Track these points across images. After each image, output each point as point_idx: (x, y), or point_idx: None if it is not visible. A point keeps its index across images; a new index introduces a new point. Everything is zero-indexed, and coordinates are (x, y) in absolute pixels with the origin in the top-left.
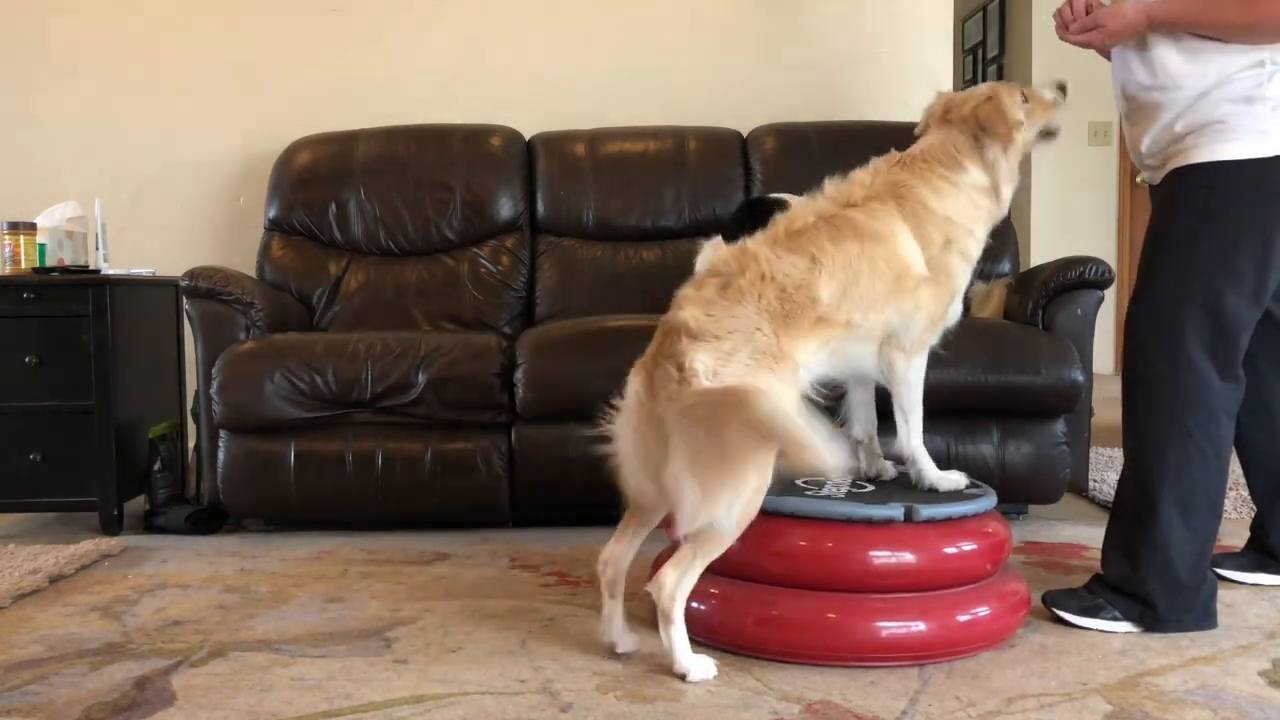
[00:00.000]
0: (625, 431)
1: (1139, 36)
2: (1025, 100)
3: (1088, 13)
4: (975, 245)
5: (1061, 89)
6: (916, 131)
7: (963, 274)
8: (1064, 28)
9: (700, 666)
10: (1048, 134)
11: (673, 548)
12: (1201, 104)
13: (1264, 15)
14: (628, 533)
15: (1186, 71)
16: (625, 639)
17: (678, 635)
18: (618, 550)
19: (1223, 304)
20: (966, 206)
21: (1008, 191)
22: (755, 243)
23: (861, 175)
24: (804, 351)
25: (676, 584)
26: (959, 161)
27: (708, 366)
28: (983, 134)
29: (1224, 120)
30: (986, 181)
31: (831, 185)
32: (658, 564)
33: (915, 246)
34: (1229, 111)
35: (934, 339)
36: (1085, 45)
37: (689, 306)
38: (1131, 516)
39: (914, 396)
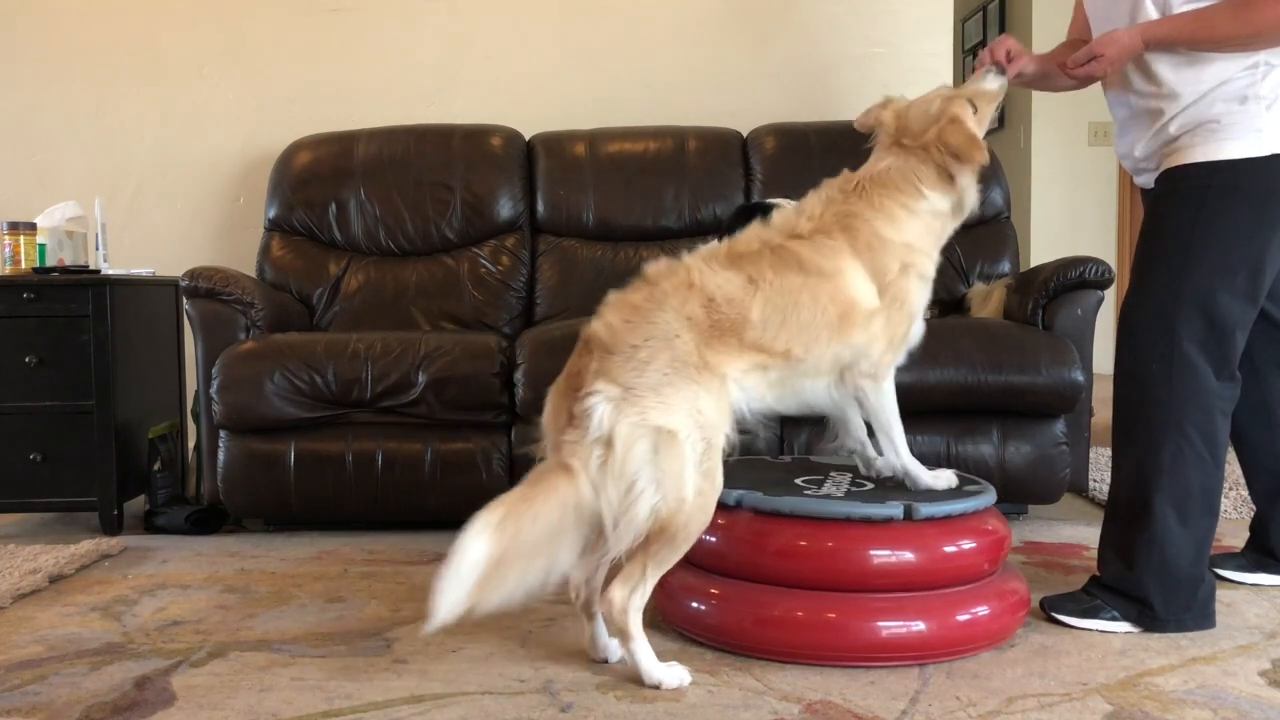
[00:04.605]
0: (546, 458)
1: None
2: (975, 110)
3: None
4: (931, 265)
5: (1000, 70)
6: (869, 145)
7: (921, 296)
8: (1062, 66)
9: (673, 674)
10: None
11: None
12: (1197, 106)
13: (1262, 24)
14: (589, 553)
15: (1184, 78)
16: (614, 648)
17: (639, 649)
18: (584, 573)
19: (1217, 303)
20: (924, 231)
21: (968, 209)
22: (692, 256)
23: (812, 205)
24: (733, 368)
25: (627, 599)
26: (919, 190)
27: (610, 397)
28: (954, 161)
29: (1218, 119)
30: (948, 206)
31: (780, 215)
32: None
33: (866, 282)
34: (1223, 111)
35: (899, 359)
36: (1088, 77)
37: (609, 313)
38: (1127, 516)
39: (890, 418)
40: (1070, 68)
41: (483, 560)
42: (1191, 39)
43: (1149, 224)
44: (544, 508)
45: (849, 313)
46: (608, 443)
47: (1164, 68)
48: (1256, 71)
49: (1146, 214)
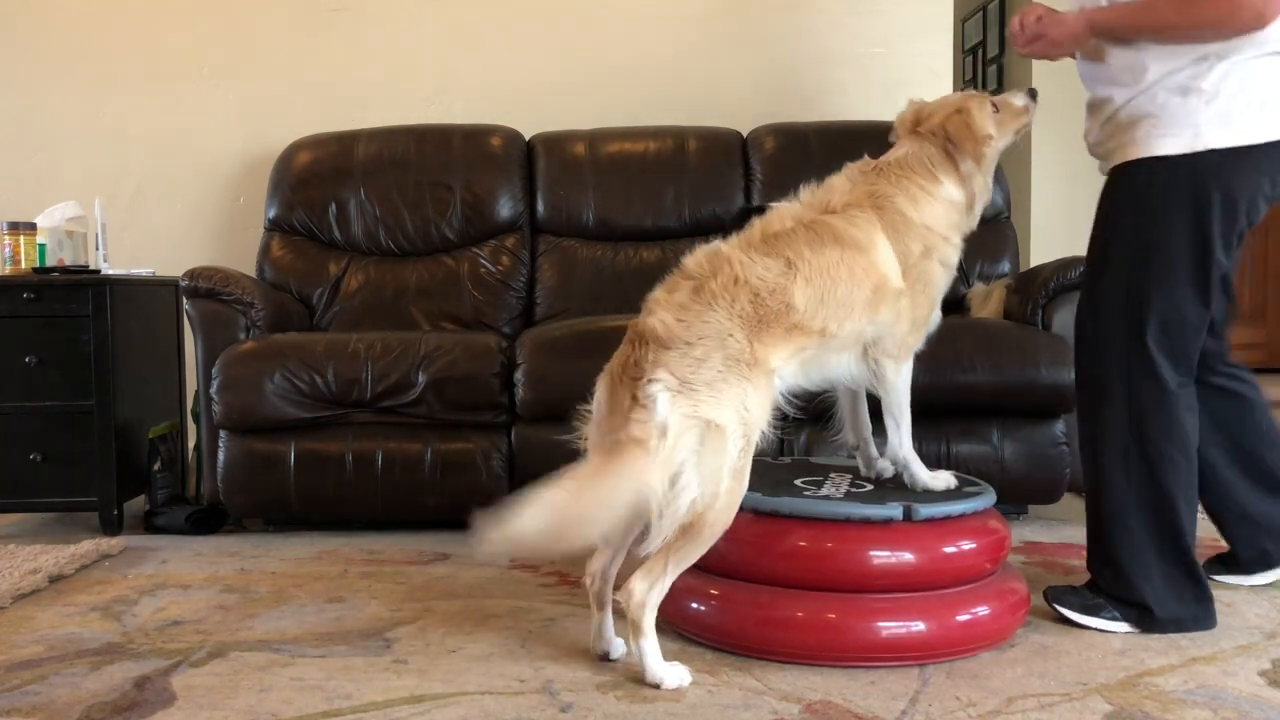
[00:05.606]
0: (593, 443)
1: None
2: (996, 110)
3: (1037, 22)
4: (954, 252)
5: (1032, 95)
6: (891, 139)
7: (942, 281)
8: (1014, 41)
9: (674, 674)
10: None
11: None
12: (1143, 96)
13: (1202, 18)
14: (611, 543)
15: (1133, 65)
16: (617, 644)
17: (648, 646)
18: (603, 562)
19: (1169, 305)
20: (943, 215)
21: (979, 206)
22: (729, 245)
23: (839, 182)
24: (778, 358)
25: (646, 594)
26: (934, 175)
27: (669, 387)
28: (953, 148)
29: (1158, 114)
30: (961, 196)
31: (808, 192)
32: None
33: (894, 259)
34: (1165, 102)
35: (919, 344)
36: (1034, 56)
37: (660, 310)
38: (1107, 526)
39: (903, 401)
40: (1019, 45)
41: (535, 529)
42: (1135, 26)
43: (1098, 219)
44: (616, 482)
45: (881, 287)
46: (663, 431)
47: (1116, 54)
48: (1203, 65)
49: (1098, 209)
